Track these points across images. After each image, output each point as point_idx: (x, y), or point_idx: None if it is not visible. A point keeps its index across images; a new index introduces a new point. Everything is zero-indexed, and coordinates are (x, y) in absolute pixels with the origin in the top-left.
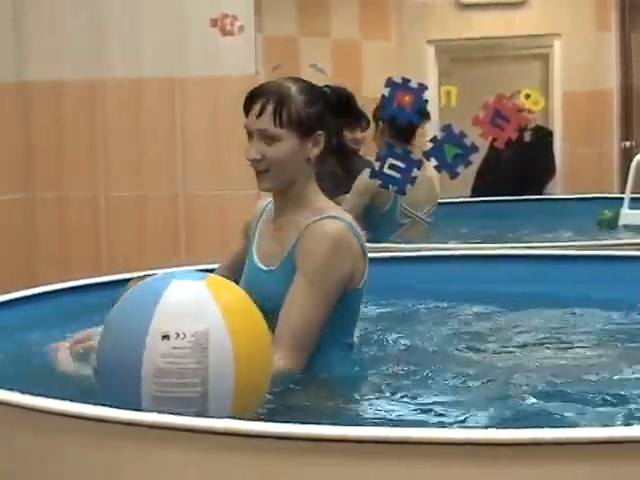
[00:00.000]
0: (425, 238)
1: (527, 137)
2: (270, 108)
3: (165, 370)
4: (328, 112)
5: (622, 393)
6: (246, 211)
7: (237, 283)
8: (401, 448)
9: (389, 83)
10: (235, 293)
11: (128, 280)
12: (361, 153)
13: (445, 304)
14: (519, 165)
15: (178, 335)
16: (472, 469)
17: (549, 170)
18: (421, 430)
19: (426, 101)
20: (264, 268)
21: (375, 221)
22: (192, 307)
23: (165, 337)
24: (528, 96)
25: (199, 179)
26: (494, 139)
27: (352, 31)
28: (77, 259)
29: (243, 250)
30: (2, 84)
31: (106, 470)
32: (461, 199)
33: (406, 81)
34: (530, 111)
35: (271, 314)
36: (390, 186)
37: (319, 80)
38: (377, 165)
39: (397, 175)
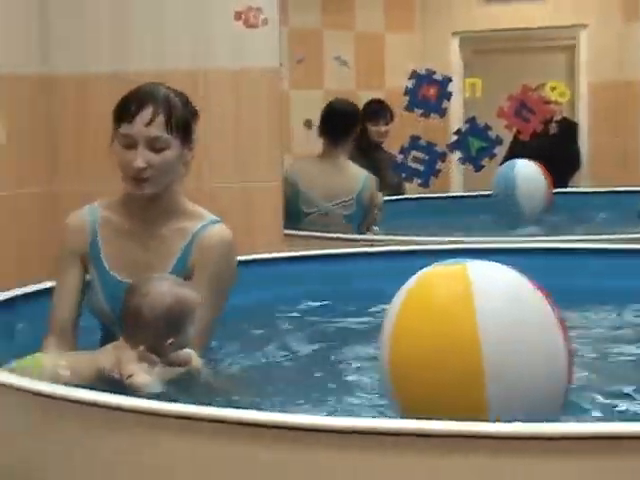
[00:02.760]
0: (333, 231)
1: (552, 129)
2: (161, 115)
3: None
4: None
5: None
6: (271, 202)
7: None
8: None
9: (414, 75)
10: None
11: None
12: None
13: None
14: (544, 157)
15: None
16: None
17: (574, 162)
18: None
19: (450, 93)
20: None
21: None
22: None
23: None
24: (554, 88)
25: (223, 171)
26: (519, 131)
27: (376, 23)
28: None
29: (79, 280)
30: (26, 76)
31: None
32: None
33: (431, 73)
34: (556, 103)
35: None
36: (414, 179)
37: (343, 72)
38: (400, 158)
39: (420, 168)
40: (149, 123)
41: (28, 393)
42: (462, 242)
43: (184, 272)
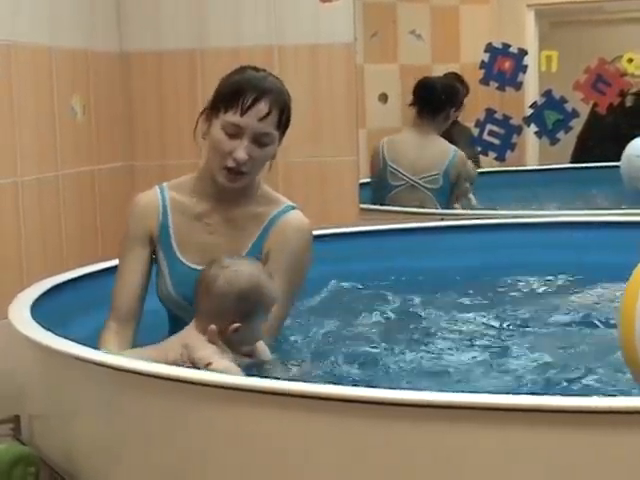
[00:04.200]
0: (419, 204)
1: (629, 102)
2: (276, 112)
3: None
4: None
5: None
6: (347, 177)
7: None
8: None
9: (489, 48)
10: None
11: None
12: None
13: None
14: (620, 130)
15: None
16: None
17: None
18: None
19: (526, 66)
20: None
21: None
22: None
23: None
24: (631, 60)
25: (299, 147)
26: (595, 104)
27: None
28: None
29: (145, 263)
30: (104, 53)
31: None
32: (561, 165)
33: (506, 46)
34: (633, 75)
35: None
36: (489, 152)
37: (418, 46)
38: (476, 131)
39: (496, 141)
40: (263, 118)
41: (106, 368)
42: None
43: (257, 259)
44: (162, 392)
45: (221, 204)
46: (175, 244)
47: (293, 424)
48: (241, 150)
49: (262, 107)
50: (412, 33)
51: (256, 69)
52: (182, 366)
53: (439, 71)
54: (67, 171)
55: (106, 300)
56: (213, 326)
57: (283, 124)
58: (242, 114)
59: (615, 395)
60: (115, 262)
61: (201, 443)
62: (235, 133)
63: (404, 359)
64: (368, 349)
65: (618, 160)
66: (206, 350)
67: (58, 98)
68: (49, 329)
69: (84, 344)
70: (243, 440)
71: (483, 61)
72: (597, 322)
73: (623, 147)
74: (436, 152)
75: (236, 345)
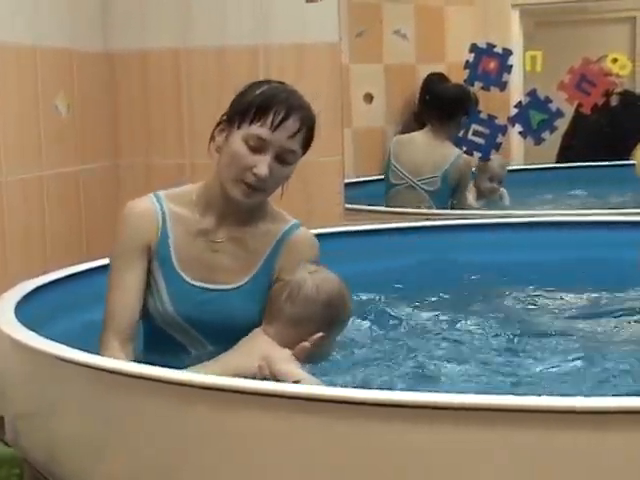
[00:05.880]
0: (416, 204)
1: (613, 102)
2: (304, 130)
3: None
4: None
5: None
6: (331, 177)
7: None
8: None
9: (474, 49)
10: None
11: None
12: None
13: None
14: (605, 130)
15: None
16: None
17: (636, 135)
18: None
19: (510, 66)
20: (223, 287)
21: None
22: None
23: None
24: (615, 60)
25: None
26: (580, 104)
27: None
28: None
29: (143, 276)
30: (89, 52)
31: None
32: (546, 165)
33: (491, 46)
34: (617, 75)
35: (243, 329)
36: (474, 152)
37: (403, 46)
38: (461, 131)
39: (481, 141)
40: (293, 136)
41: (91, 368)
42: None
43: (267, 279)
44: (148, 393)
45: (227, 221)
46: (175, 259)
47: (281, 425)
48: (264, 165)
49: (293, 123)
50: (397, 33)
51: (279, 82)
52: (259, 379)
53: (424, 71)
54: (51, 171)
55: (90, 300)
56: (307, 343)
57: (308, 145)
58: (273, 129)
59: None
60: (100, 262)
61: (187, 444)
62: (259, 147)
63: (396, 362)
64: (359, 351)
65: (603, 160)
66: (290, 364)
67: (42, 97)
68: (33, 329)
69: (68, 345)
70: (229, 441)
71: (468, 61)
72: None
73: (608, 147)
74: (438, 155)
75: (310, 358)
